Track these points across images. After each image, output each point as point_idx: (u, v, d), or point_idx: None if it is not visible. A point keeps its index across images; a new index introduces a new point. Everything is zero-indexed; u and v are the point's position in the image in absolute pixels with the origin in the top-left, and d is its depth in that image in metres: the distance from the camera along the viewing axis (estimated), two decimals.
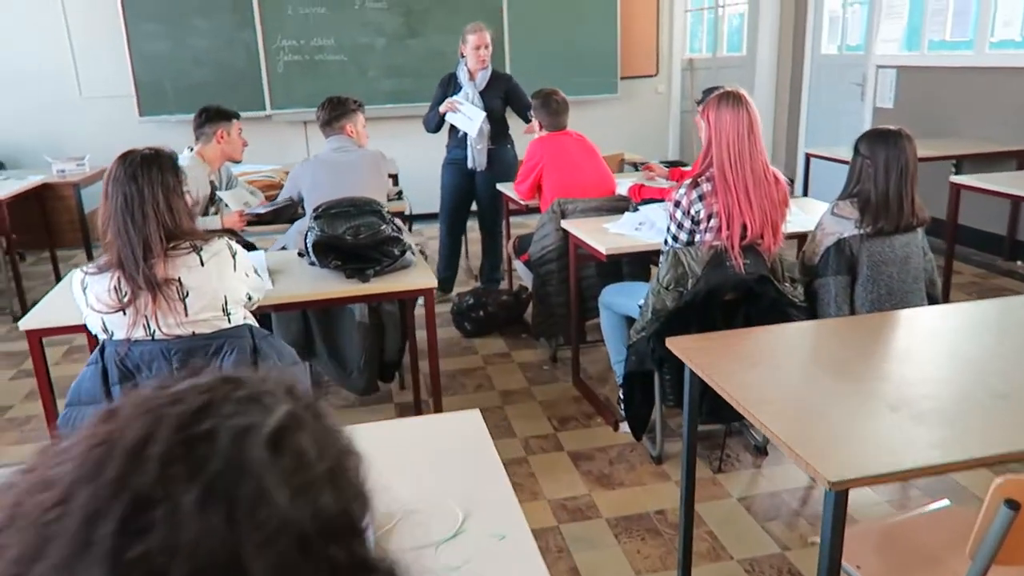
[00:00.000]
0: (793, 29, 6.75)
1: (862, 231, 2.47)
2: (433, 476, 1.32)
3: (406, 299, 2.95)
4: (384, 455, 1.36)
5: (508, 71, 6.24)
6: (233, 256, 1.94)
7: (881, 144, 2.48)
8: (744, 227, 2.42)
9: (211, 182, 3.26)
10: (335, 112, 3.31)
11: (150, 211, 1.81)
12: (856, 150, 2.55)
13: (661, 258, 2.55)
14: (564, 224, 3.18)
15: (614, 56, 6.37)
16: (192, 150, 3.21)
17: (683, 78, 6.93)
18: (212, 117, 3.20)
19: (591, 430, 2.95)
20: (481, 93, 4.12)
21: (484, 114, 4.03)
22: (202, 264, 1.86)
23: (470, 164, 4.18)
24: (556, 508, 2.44)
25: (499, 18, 6.13)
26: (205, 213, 3.20)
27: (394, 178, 4.69)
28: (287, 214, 3.28)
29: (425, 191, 4.99)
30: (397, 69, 6.11)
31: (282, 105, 5.98)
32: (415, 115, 4.90)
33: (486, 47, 4.11)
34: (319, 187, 3.21)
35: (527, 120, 4.02)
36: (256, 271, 2.11)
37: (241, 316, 1.96)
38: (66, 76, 5.76)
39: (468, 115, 4.05)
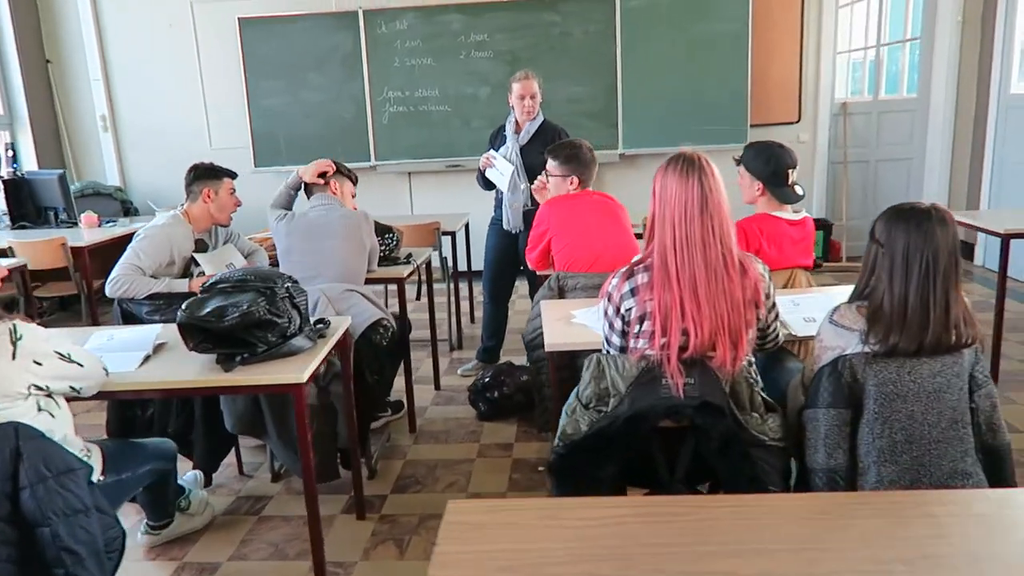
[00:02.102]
0: (977, 65, 5.58)
1: (868, 349, 1.74)
2: None
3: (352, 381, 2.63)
4: None
5: (619, 118, 5.78)
6: (14, 343, 1.73)
7: (901, 228, 1.75)
8: (686, 333, 1.81)
9: (200, 240, 3.16)
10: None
11: None
12: (871, 234, 1.83)
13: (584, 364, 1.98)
14: (544, 303, 2.67)
15: (743, 101, 5.63)
16: (183, 207, 3.14)
17: (833, 124, 5.98)
18: (201, 175, 3.11)
19: None
20: (523, 147, 3.72)
21: (512, 167, 3.62)
22: None
23: (505, 225, 3.77)
24: None
25: (612, 62, 5.70)
26: (187, 274, 3.10)
27: (451, 235, 4.42)
28: None
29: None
30: (500, 119, 5.81)
31: (386, 156, 5.97)
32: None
33: (531, 97, 3.72)
34: (291, 253, 3.00)
35: None
36: (69, 356, 1.87)
37: (24, 411, 1.73)
38: (200, 131, 6.19)
39: (500, 170, 3.67)
